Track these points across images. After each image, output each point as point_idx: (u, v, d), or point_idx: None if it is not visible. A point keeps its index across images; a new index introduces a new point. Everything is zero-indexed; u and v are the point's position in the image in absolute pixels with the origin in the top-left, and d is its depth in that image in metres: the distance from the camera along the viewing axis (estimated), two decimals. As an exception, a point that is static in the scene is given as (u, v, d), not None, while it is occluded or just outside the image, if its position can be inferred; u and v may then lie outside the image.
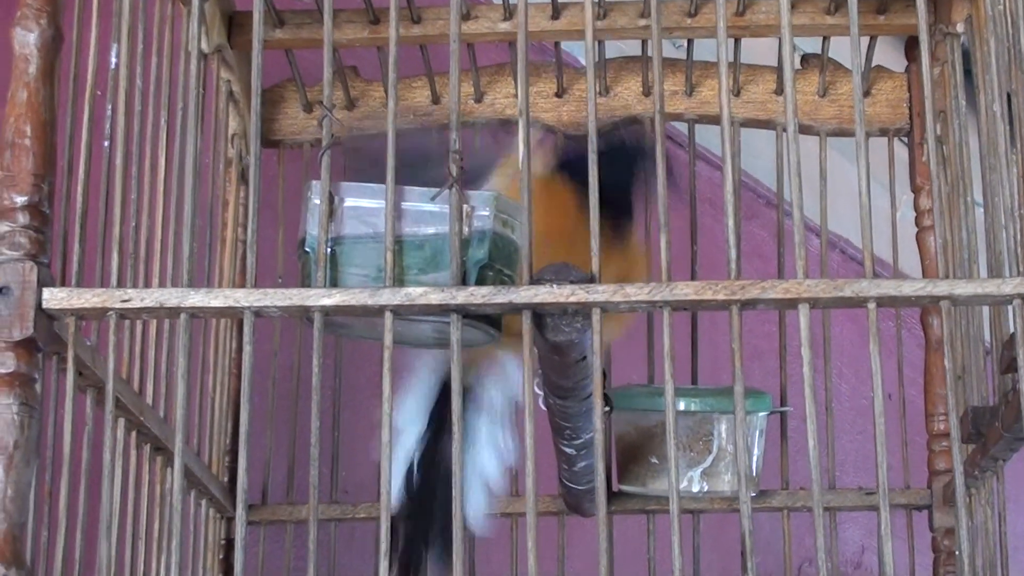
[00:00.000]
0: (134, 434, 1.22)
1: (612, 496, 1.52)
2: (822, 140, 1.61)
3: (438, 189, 1.03)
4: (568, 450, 1.31)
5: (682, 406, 1.45)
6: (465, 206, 1.03)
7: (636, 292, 1.00)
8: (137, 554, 1.23)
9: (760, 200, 2.72)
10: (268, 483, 1.57)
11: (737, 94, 1.62)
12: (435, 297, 1.00)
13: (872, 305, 1.00)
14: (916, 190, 1.60)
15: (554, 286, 1.00)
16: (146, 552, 1.24)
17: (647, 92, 1.62)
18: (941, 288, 1.00)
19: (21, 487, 0.99)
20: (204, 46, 1.46)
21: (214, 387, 1.49)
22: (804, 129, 1.61)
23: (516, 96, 1.62)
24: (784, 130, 1.62)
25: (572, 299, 1.00)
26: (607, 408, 1.32)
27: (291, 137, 1.63)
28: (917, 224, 1.58)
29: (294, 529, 1.56)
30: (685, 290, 1.00)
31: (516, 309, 1.01)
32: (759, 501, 1.53)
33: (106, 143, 1.15)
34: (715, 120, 1.63)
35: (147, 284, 1.22)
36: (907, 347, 1.60)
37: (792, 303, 1.01)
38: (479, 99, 1.62)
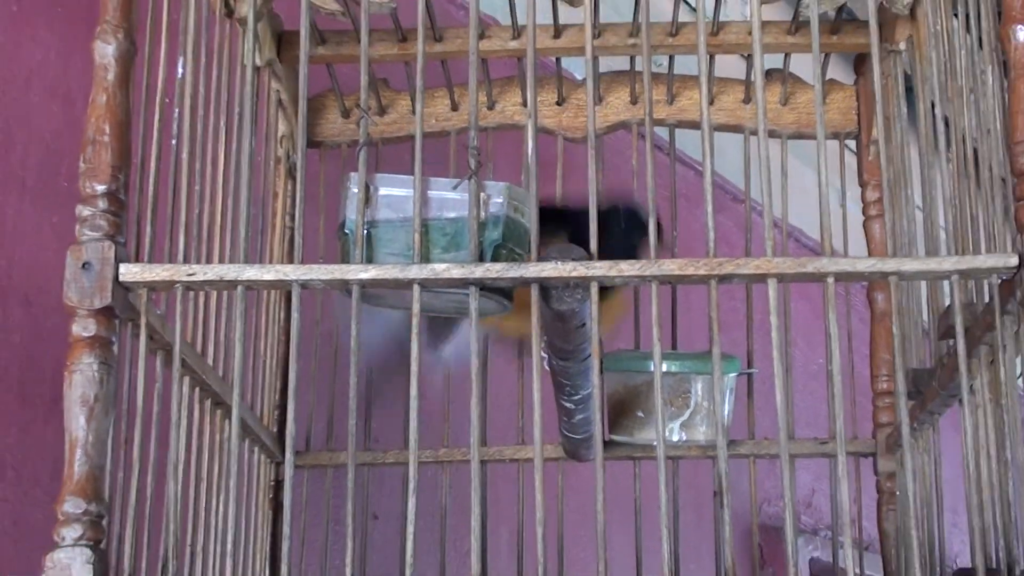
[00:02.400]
0: (197, 390, 1.20)
1: (604, 445, 1.49)
2: (783, 143, 1.59)
3: (459, 179, 1.01)
4: (568, 404, 1.29)
5: (665, 367, 1.43)
6: (482, 194, 1.01)
7: (628, 268, 0.98)
8: (200, 493, 1.21)
9: (728, 196, 2.69)
10: (311, 433, 1.55)
11: (711, 103, 1.59)
12: (457, 272, 0.98)
13: (831, 280, 0.98)
14: (863, 185, 1.57)
15: (558, 263, 0.98)
16: (207, 491, 1.22)
17: (634, 101, 1.60)
18: (890, 265, 0.98)
19: (100, 434, 0.97)
20: (257, 60, 1.44)
21: (265, 351, 1.47)
22: (768, 133, 1.59)
23: (523, 104, 1.60)
24: (752, 133, 1.60)
25: (574, 273, 0.98)
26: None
27: (331, 139, 1.61)
28: (864, 214, 1.56)
29: (333, 472, 1.54)
30: (670, 266, 0.98)
31: (526, 282, 0.99)
32: (729, 449, 1.51)
33: (173, 141, 1.13)
34: (693, 125, 1.61)
35: (209, 261, 1.20)
36: (856, 325, 1.58)
37: (762, 277, 0.99)
38: (491, 107, 1.60)
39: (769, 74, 1.61)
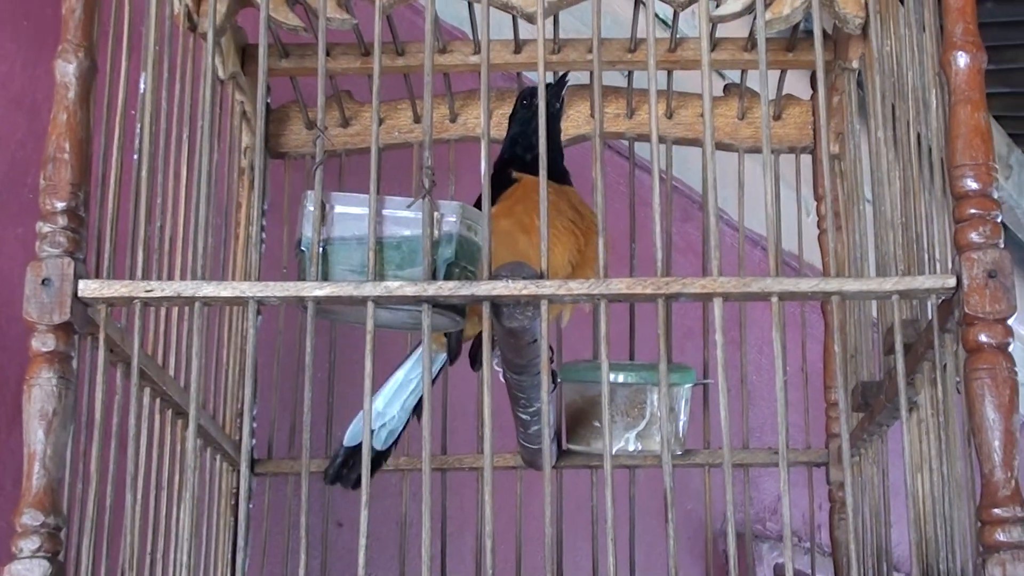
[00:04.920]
0: (158, 401, 1.22)
1: (562, 454, 1.52)
2: (740, 156, 1.62)
3: (414, 198, 1.04)
4: (524, 416, 1.31)
5: (621, 378, 1.45)
6: (436, 213, 1.03)
7: (578, 287, 1.01)
8: (160, 503, 1.23)
9: (695, 205, 2.72)
10: (273, 441, 1.57)
11: (670, 117, 1.62)
12: (410, 289, 1.00)
13: (775, 299, 1.01)
14: (818, 199, 1.60)
15: (509, 281, 1.00)
16: (168, 501, 1.24)
17: (595, 114, 1.62)
18: (832, 285, 1.01)
19: (59, 448, 0.99)
20: (221, 73, 1.46)
21: (228, 360, 1.49)
22: (725, 147, 1.62)
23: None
24: (717, 148, 1.62)
25: (524, 292, 1.00)
26: (553, 386, 1.32)
27: (295, 150, 1.63)
28: (819, 228, 1.59)
29: (295, 480, 1.56)
30: (619, 285, 1.01)
31: (478, 300, 1.01)
32: (685, 459, 1.54)
33: (136, 156, 1.15)
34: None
35: (171, 276, 1.22)
36: (817, 329, 1.60)
37: (709, 296, 1.01)
38: (453, 119, 1.62)
39: (727, 89, 1.64)
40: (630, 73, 1.58)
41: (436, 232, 1.03)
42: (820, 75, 1.07)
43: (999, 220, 1.01)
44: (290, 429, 1.56)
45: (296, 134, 1.63)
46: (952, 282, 1.00)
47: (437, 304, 1.02)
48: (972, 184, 1.01)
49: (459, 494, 1.62)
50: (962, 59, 1.03)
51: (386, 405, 1.42)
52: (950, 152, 1.02)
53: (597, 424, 1.47)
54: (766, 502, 2.87)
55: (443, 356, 1.43)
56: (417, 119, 1.62)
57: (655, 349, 1.59)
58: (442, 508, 1.55)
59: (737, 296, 1.01)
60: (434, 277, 1.02)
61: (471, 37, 1.55)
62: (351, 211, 1.04)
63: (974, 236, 1.00)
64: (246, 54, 1.52)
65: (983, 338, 0.98)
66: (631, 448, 1.46)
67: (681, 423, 1.50)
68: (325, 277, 1.04)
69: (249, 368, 1.01)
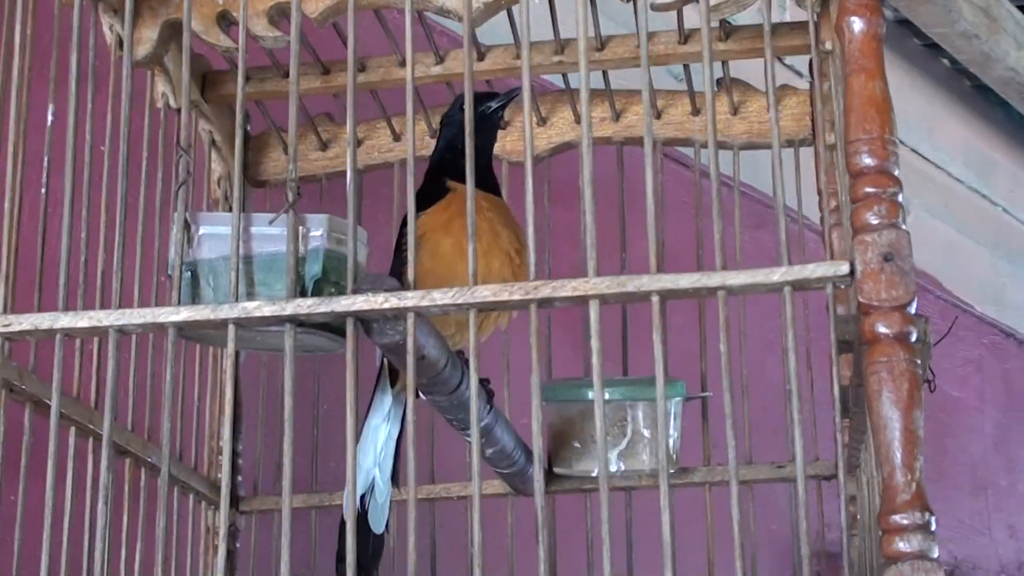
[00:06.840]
0: (90, 440, 1.21)
1: (551, 478, 1.46)
2: (736, 154, 1.55)
3: (276, 214, 1.01)
4: (470, 440, 1.26)
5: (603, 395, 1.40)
6: (301, 228, 1.00)
7: (442, 296, 0.96)
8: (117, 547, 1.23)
9: (761, 207, 2.64)
10: (259, 477, 1.55)
11: (658, 117, 1.56)
12: (268, 309, 0.97)
13: (655, 298, 0.95)
14: (819, 193, 1.53)
15: (370, 294, 0.96)
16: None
17: (579, 120, 1.58)
18: (715, 280, 0.94)
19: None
20: (172, 102, 1.44)
21: (203, 396, 1.48)
22: (719, 144, 1.55)
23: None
24: (703, 146, 1.57)
25: (387, 305, 0.96)
26: (488, 406, 1.26)
27: (275, 177, 1.61)
28: (821, 223, 1.51)
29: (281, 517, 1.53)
30: (484, 293, 0.96)
31: (341, 317, 0.97)
32: (680, 477, 1.47)
33: (43, 191, 1.15)
34: (640, 142, 1.58)
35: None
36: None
37: (583, 299, 0.96)
38: (433, 135, 1.58)
39: (717, 83, 1.57)
40: (605, 73, 1.53)
41: (302, 248, 1.00)
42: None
43: (899, 199, 0.93)
44: (275, 465, 1.54)
45: (275, 161, 1.61)
46: (845, 268, 0.93)
47: (301, 323, 0.98)
48: (867, 160, 0.94)
49: (448, 522, 1.58)
50: (856, 24, 0.97)
51: (371, 462, 1.37)
52: (845, 126, 0.95)
53: (577, 444, 1.42)
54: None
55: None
56: (396, 137, 1.60)
57: (647, 360, 1.53)
58: (431, 538, 1.52)
59: (614, 297, 0.95)
60: (302, 294, 0.99)
61: (450, 35, 1.51)
62: (216, 231, 1.02)
63: (869, 217, 0.93)
64: (206, 81, 1.51)
65: (880, 328, 0.91)
66: (613, 468, 1.40)
67: (672, 440, 1.44)
68: (197, 301, 1.01)
69: (108, 402, 0.99)
